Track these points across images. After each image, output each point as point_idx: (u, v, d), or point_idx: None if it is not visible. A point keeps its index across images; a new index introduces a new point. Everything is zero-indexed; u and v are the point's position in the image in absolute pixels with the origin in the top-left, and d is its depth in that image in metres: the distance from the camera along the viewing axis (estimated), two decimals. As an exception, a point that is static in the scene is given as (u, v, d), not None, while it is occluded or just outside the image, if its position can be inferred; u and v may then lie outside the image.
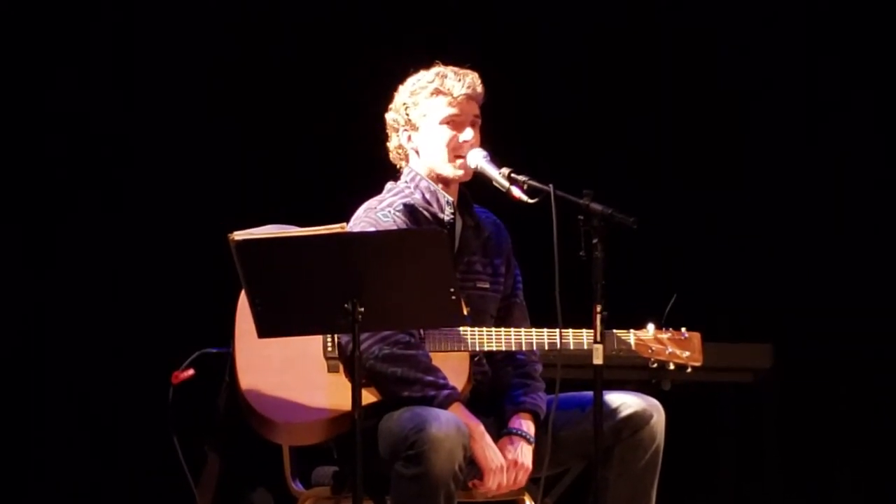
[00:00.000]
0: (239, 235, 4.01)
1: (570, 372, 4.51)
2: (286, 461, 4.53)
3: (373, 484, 4.24)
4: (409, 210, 4.49)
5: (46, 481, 6.22)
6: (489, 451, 4.35)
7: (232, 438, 4.49)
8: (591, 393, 4.24)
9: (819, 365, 6.68)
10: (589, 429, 4.26)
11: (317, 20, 6.50)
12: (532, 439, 4.44)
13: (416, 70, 4.58)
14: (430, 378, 4.30)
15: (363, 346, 4.19)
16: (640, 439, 4.42)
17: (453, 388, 4.33)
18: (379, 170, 4.65)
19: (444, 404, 4.28)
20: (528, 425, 4.46)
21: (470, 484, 4.38)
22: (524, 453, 4.42)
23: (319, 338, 4.37)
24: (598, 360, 4.19)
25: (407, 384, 4.29)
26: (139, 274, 6.30)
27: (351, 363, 4.08)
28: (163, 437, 4.49)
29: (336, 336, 4.36)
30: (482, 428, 4.36)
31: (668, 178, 6.76)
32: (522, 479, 4.42)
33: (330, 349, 4.37)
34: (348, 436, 4.12)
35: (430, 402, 4.27)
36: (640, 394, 4.51)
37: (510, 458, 4.38)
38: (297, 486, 4.53)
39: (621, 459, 4.42)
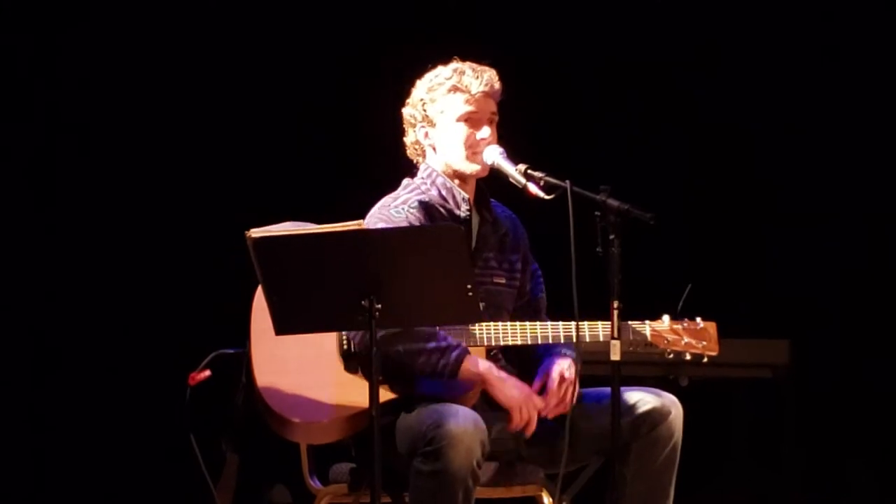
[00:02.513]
0: (256, 232, 4.01)
1: (588, 368, 4.50)
2: (304, 459, 4.53)
3: (390, 481, 4.23)
4: (424, 207, 4.49)
5: (64, 483, 6.22)
6: (508, 389, 4.33)
7: (250, 438, 4.48)
8: (608, 389, 4.24)
9: (837, 361, 6.67)
10: (606, 425, 4.25)
11: (333, 16, 6.51)
12: (573, 356, 4.42)
13: (435, 65, 4.58)
14: (432, 345, 4.29)
15: (357, 340, 4.26)
16: (657, 436, 4.41)
17: (458, 345, 4.31)
18: (397, 166, 4.65)
19: (456, 367, 4.27)
20: (563, 359, 4.43)
21: (508, 429, 4.35)
22: (568, 367, 4.39)
23: (335, 336, 4.37)
24: (615, 356, 4.19)
25: (413, 356, 4.29)
26: (154, 275, 6.31)
27: (368, 360, 4.08)
28: (180, 439, 4.49)
29: (346, 334, 4.35)
30: (495, 370, 4.35)
31: (683, 172, 6.76)
32: (569, 396, 4.38)
33: (346, 347, 4.37)
34: (366, 433, 4.12)
35: (442, 371, 4.27)
36: (657, 390, 4.49)
37: (555, 375, 4.36)
38: (315, 484, 4.54)
39: (639, 456, 4.40)
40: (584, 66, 6.75)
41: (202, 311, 6.13)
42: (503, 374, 4.36)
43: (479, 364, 4.33)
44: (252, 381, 4.36)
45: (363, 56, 6.45)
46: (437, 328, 4.31)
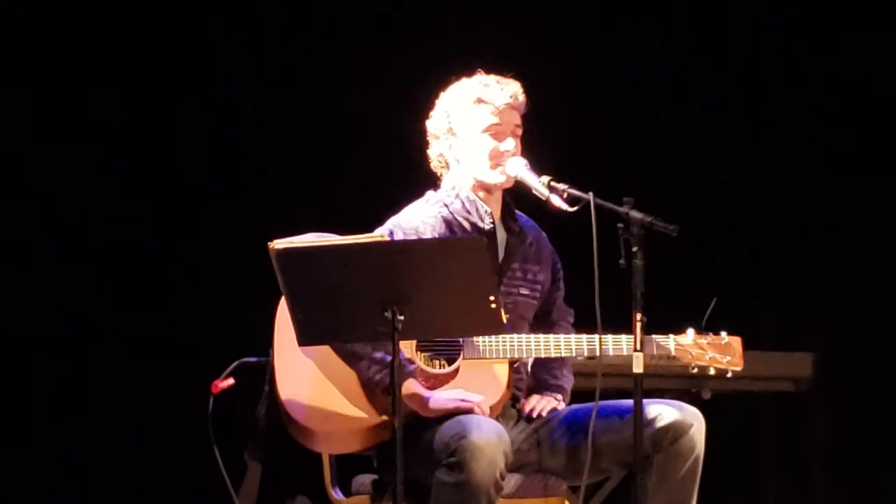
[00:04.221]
0: (279, 244, 4.02)
1: (610, 381, 4.50)
2: (326, 469, 4.53)
3: (413, 492, 4.23)
4: (445, 220, 4.49)
5: (85, 489, 6.24)
6: (433, 404, 4.33)
7: (272, 447, 4.49)
8: (630, 401, 4.24)
9: (862, 373, 6.66)
10: (628, 437, 4.26)
11: (356, 25, 6.53)
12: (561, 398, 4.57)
13: (458, 77, 4.57)
14: (378, 355, 4.31)
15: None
16: (679, 448, 4.39)
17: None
18: (422, 178, 4.66)
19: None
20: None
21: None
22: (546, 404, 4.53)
23: (358, 346, 4.38)
24: (638, 368, 4.19)
25: (354, 359, 4.31)
26: (179, 283, 6.33)
27: (391, 371, 4.08)
28: (203, 447, 4.50)
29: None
30: (419, 390, 4.35)
31: (706, 183, 6.76)
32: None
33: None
34: (388, 444, 4.13)
35: (377, 384, 4.28)
36: (680, 402, 4.49)
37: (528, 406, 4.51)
38: (337, 495, 4.53)
39: (661, 468, 4.39)
40: (605, 76, 6.74)
41: (226, 319, 6.14)
42: (423, 392, 4.35)
43: (408, 387, 4.33)
44: (275, 391, 4.37)
45: (389, 66, 6.46)
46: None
